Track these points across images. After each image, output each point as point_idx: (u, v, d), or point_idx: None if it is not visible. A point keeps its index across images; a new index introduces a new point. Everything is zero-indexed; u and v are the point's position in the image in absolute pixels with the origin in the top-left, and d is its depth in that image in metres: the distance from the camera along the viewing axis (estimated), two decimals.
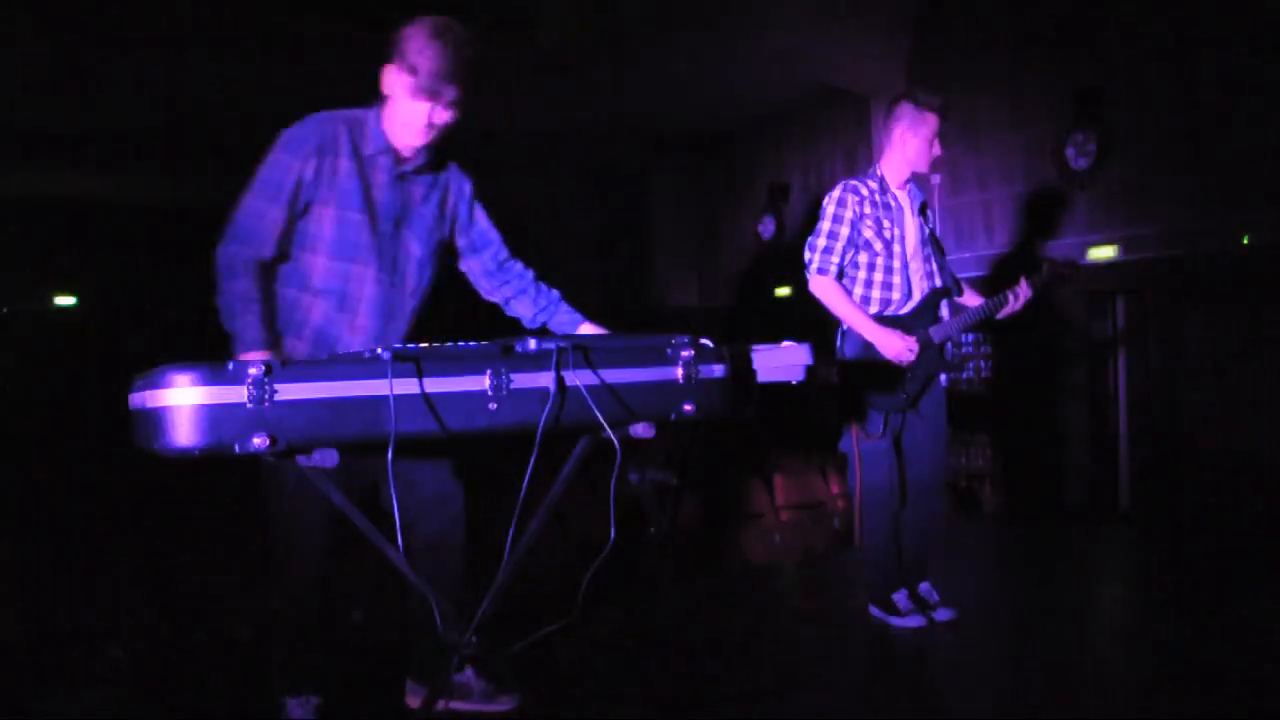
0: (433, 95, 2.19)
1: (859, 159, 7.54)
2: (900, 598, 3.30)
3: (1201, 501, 5.05)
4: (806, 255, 3.27)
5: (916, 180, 3.37)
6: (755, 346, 2.24)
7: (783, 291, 8.28)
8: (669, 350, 2.00)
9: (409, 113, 2.22)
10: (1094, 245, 5.54)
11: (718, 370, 2.05)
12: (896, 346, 3.14)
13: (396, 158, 2.31)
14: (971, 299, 3.39)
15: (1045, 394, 5.85)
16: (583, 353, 1.88)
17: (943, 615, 3.28)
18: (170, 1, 5.64)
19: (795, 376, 2.25)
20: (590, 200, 10.55)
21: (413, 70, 2.17)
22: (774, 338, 2.28)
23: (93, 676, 2.96)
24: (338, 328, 2.28)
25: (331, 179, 2.24)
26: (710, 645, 3.15)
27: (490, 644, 2.07)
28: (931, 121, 3.22)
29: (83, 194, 10.91)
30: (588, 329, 2.46)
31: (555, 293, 2.54)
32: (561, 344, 1.85)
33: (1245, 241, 4.85)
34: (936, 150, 3.27)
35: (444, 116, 2.25)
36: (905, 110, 3.23)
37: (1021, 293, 3.27)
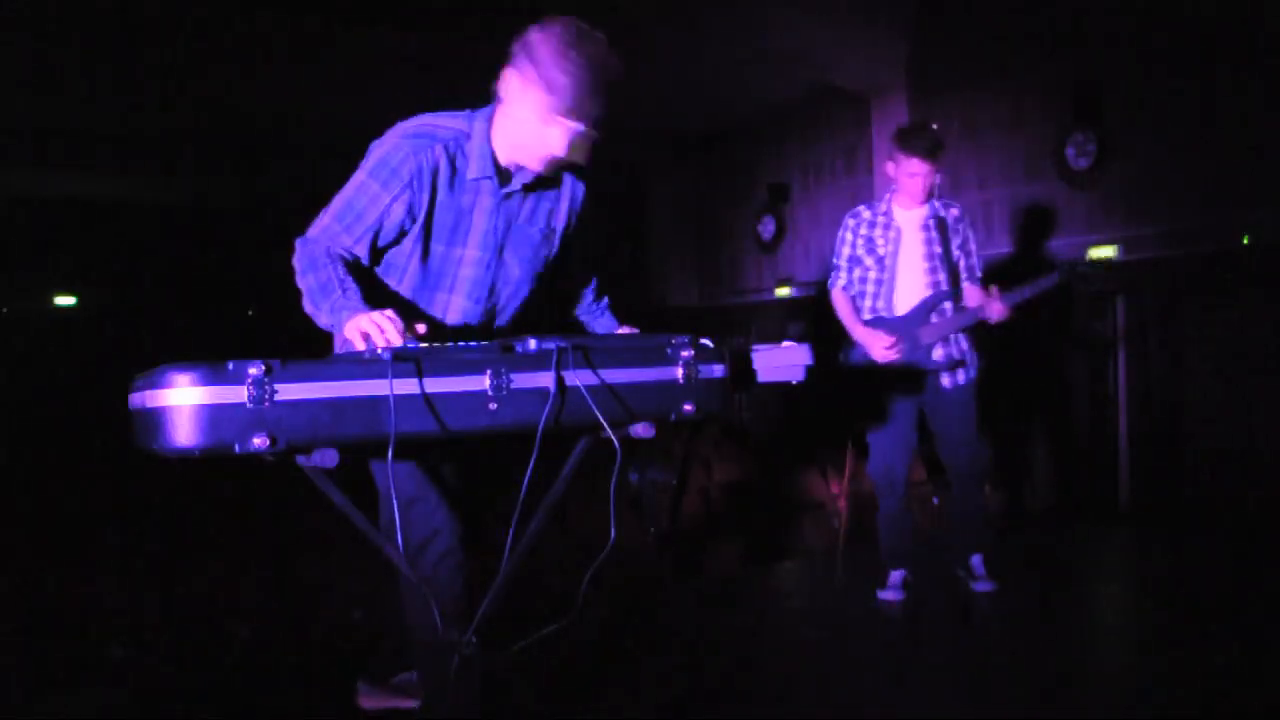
0: (575, 116, 1.88)
1: (859, 159, 7.54)
2: (895, 577, 3.64)
3: (1201, 501, 5.05)
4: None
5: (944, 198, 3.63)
6: (755, 346, 2.25)
7: (783, 291, 8.27)
8: (669, 350, 2.00)
9: (538, 136, 1.93)
10: (1094, 245, 5.54)
11: (718, 370, 2.05)
12: (875, 347, 3.51)
13: (503, 178, 2.05)
14: (972, 298, 3.61)
15: (1044, 393, 5.84)
16: (583, 353, 1.88)
17: (981, 587, 3.63)
18: (172, 2, 5.64)
19: (795, 376, 2.26)
20: (590, 200, 10.55)
21: (550, 87, 1.86)
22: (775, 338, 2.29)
23: (93, 676, 2.95)
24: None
25: (426, 211, 2.00)
26: (710, 645, 3.15)
27: (490, 645, 2.06)
28: (910, 162, 3.43)
29: (83, 194, 10.90)
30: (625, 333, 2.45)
31: (605, 298, 2.53)
32: (561, 344, 1.85)
33: (1245, 241, 4.85)
34: (923, 186, 3.46)
35: (582, 152, 1.96)
36: (893, 148, 3.49)
37: (993, 308, 3.47)
